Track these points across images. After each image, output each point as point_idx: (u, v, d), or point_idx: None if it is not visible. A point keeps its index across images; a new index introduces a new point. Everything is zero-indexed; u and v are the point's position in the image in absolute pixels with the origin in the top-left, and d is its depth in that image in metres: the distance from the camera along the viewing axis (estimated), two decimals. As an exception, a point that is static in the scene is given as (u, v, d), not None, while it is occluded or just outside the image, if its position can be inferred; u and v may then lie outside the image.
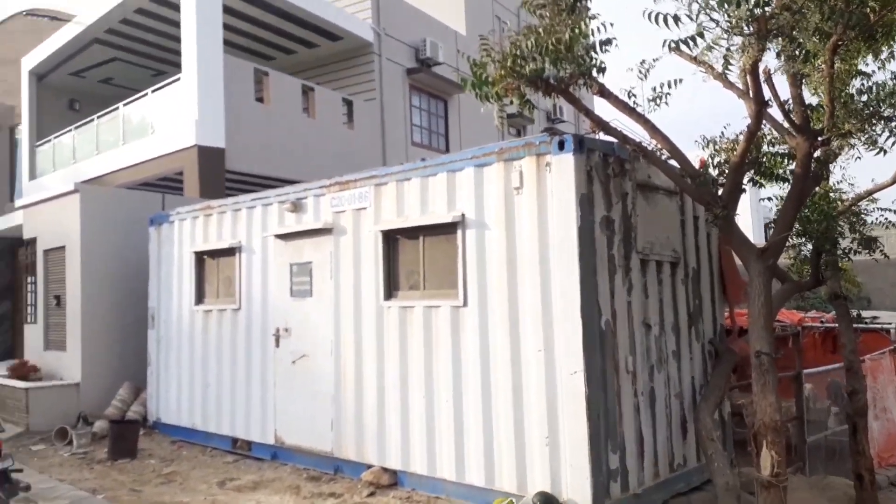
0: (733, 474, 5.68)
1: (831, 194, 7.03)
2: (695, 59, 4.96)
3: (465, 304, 6.14)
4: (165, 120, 13.59)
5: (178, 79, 13.32)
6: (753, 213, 32.17)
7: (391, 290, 6.85)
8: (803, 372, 8.17)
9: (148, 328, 10.06)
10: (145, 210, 10.63)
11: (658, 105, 5.59)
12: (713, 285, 7.15)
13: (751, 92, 5.03)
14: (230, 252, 8.74)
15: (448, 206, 6.37)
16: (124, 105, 14.88)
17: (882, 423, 9.58)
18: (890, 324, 11.62)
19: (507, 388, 5.75)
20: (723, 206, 5.44)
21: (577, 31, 4.69)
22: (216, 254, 9.02)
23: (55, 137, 17.22)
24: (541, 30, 4.79)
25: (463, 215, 6.21)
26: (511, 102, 5.08)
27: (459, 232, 6.23)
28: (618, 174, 5.95)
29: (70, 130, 16.66)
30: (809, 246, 7.10)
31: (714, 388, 6.48)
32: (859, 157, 6.05)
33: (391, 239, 6.91)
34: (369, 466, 6.75)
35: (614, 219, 5.85)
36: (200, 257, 9.29)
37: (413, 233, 6.71)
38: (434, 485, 6.22)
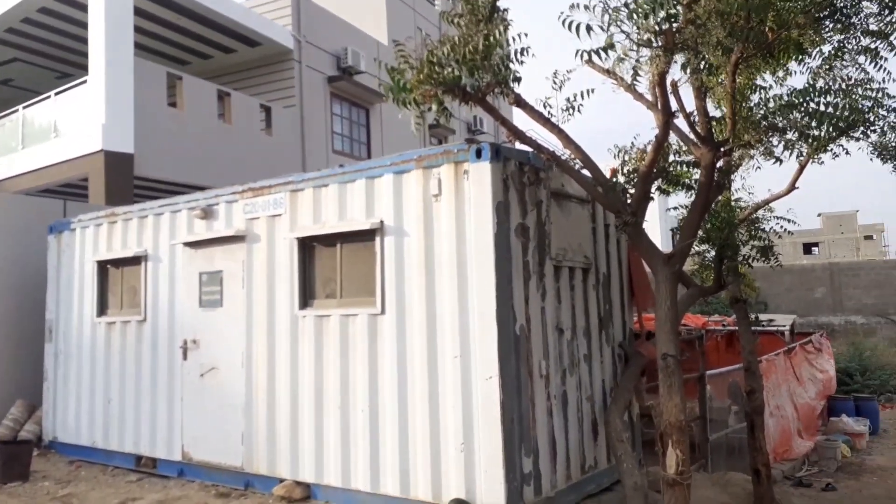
0: (641, 474, 5.87)
1: (732, 203, 7.42)
2: (606, 71, 5.14)
3: (382, 311, 6.08)
4: (70, 124, 12.90)
5: (85, 81, 12.69)
6: (661, 221, 33.65)
7: (307, 298, 6.71)
8: (706, 373, 8.56)
9: (45, 341, 9.45)
10: (45, 217, 10.02)
11: (571, 115, 5.75)
12: (622, 290, 7.39)
13: (659, 103, 5.24)
14: (135, 261, 8.34)
15: (367, 213, 6.31)
16: (24, 108, 14.05)
17: (777, 420, 10.15)
18: (784, 326, 12.39)
19: (423, 395, 5.72)
20: (632, 213, 5.63)
21: (492, 39, 4.77)
22: (120, 263, 8.59)
23: (-55, 138, 15.99)
24: (457, 38, 4.83)
25: (382, 222, 6.17)
26: (429, 109, 5.10)
27: (378, 239, 6.18)
28: (533, 182, 6.06)
29: (-38, 131, 15.51)
30: (713, 253, 7.46)
31: (623, 390, 6.69)
32: (759, 167, 6.41)
33: (307, 246, 6.78)
34: (281, 480, 6.57)
35: (529, 226, 5.95)
36: (104, 266, 8.82)
37: (330, 240, 6.60)
38: (348, 497, 6.11)
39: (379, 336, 6.08)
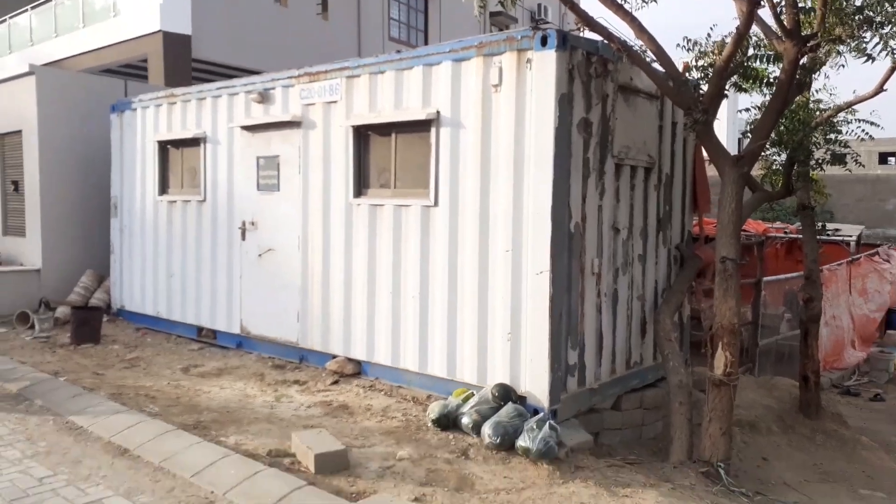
0: (687, 373, 5.92)
1: (811, 104, 6.98)
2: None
3: (436, 203, 6.07)
4: (129, 3, 12.80)
5: (142, -43, 12.45)
6: (730, 124, 32.18)
7: (361, 187, 6.74)
8: (763, 279, 8.41)
9: (111, 216, 9.86)
10: (107, 96, 10.19)
11: (646, 2, 5.39)
12: (685, 192, 7.17)
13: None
14: (195, 142, 8.46)
15: (423, 103, 6.16)
16: (84, -15, 13.95)
17: (831, 329, 10.06)
18: (850, 236, 11.96)
19: (473, 285, 5.79)
20: (703, 111, 5.37)
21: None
22: (180, 143, 8.74)
23: (10, 17, 16.15)
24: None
25: (438, 112, 6.02)
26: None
27: (433, 130, 6.06)
28: (600, 74, 5.77)
29: (26, 10, 15.62)
30: (783, 156, 7.12)
31: (676, 291, 6.64)
32: (844, 65, 5.95)
33: (362, 135, 6.72)
34: (334, 357, 6.87)
35: (593, 121, 5.73)
36: (164, 146, 8.99)
37: (385, 129, 6.52)
38: (397, 375, 6.38)
39: (431, 227, 6.10)
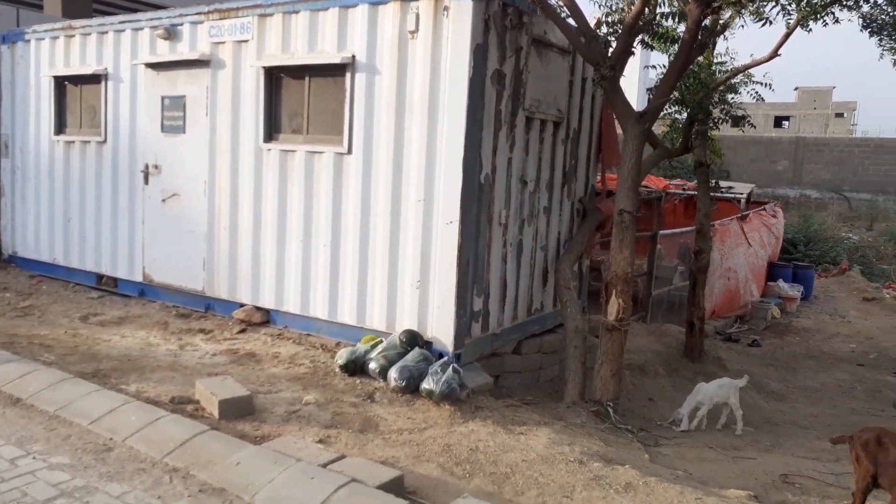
0: (583, 319, 6.27)
1: (713, 66, 7.32)
2: None
3: (349, 150, 6.03)
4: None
5: None
6: (639, 82, 33.10)
7: (272, 131, 6.59)
8: (659, 233, 8.90)
9: (1, 157, 9.21)
10: (-5, 25, 9.36)
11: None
12: (590, 147, 7.43)
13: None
14: (95, 79, 7.96)
15: (338, 46, 6.04)
16: None
17: (724, 281, 10.79)
18: (741, 194, 12.76)
19: (385, 234, 5.86)
20: (610, 67, 5.55)
21: None
22: (79, 80, 8.20)
23: None
24: None
25: (353, 57, 5.94)
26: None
27: (349, 75, 5.97)
28: (515, 26, 5.83)
29: None
30: (684, 115, 7.47)
31: (577, 242, 6.95)
32: (743, 26, 6.25)
33: (274, 77, 6.54)
34: (241, 305, 6.81)
35: (506, 73, 5.81)
36: (61, 83, 8.42)
37: (299, 72, 6.36)
38: (306, 323, 6.41)
39: (344, 175, 6.08)
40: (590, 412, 5.42)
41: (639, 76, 31.69)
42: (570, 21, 5.78)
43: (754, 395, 7.23)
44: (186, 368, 5.55)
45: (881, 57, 6.83)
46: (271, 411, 4.73)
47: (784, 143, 28.52)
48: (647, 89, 7.08)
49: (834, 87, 55.67)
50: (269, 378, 5.41)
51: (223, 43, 6.82)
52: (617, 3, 6.20)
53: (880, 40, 6.78)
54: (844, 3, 6.27)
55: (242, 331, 6.60)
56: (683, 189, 12.46)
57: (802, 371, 8.74)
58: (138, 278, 7.72)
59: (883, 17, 6.61)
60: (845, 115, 56.13)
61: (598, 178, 7.80)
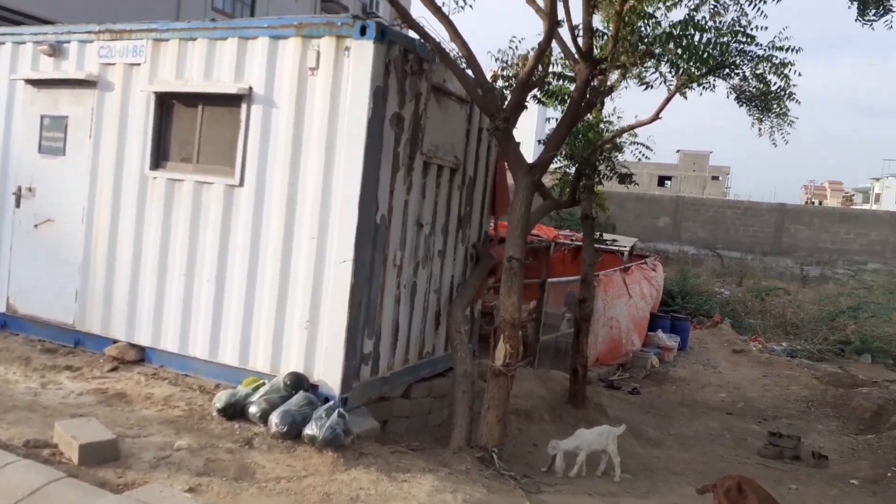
0: (472, 363, 6.32)
1: (601, 125, 7.75)
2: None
3: (241, 183, 5.86)
4: None
5: None
6: (537, 134, 34.59)
7: (160, 159, 6.31)
8: (548, 280, 9.19)
9: None
10: None
11: (462, 7, 5.64)
12: (485, 195, 7.61)
13: (546, 9, 5.25)
14: (-36, 91, 7.36)
15: (236, 76, 5.91)
16: None
17: (608, 330, 11.23)
18: (625, 247, 13.45)
19: (275, 271, 5.69)
20: (504, 119, 5.75)
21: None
22: (-56, 90, 7.55)
23: None
24: None
25: (251, 88, 5.82)
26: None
27: (245, 106, 5.84)
28: (415, 72, 5.93)
29: None
30: (573, 169, 7.84)
31: (469, 286, 7.05)
32: (627, 87, 6.66)
33: (166, 103, 6.30)
34: (115, 342, 6.38)
35: (405, 117, 5.87)
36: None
37: (192, 100, 6.16)
38: (184, 363, 6.07)
39: (234, 208, 5.89)
40: (475, 458, 5.41)
41: (536, 128, 33.10)
42: (469, 72, 5.96)
43: (633, 441, 7.49)
44: (47, 409, 5.10)
45: (752, 125, 7.49)
46: (138, 457, 4.41)
47: (665, 202, 30.50)
48: (538, 141, 7.39)
49: (711, 152, 60.48)
50: (139, 421, 5.06)
51: (113, 64, 6.52)
52: (512, 59, 6.46)
53: (749, 110, 7.44)
54: (717, 74, 6.85)
55: (114, 369, 6.16)
56: (572, 240, 12.99)
57: (677, 419, 9.17)
58: (1, 309, 7.07)
59: (750, 89, 7.27)
60: (720, 178, 60.93)
61: (491, 225, 7.98)
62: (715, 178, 60.01)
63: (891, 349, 14.12)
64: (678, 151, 60.83)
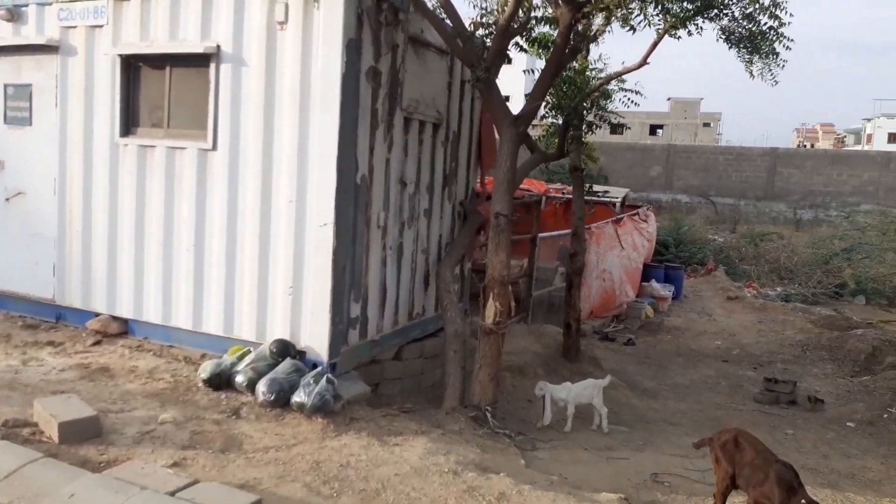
0: (463, 323, 6.21)
1: (587, 72, 7.48)
2: None
3: (214, 147, 5.64)
4: None
5: None
6: (526, 88, 34.10)
7: (129, 125, 6.06)
8: (539, 235, 9.04)
9: None
10: None
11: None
12: (470, 150, 7.39)
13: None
14: (-80, 60, 7.04)
15: (202, 35, 5.63)
16: None
17: (601, 282, 11.13)
18: (616, 198, 13.28)
19: (254, 237, 5.51)
20: (485, 69, 5.51)
21: None
22: None
23: None
24: None
25: (218, 47, 5.55)
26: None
27: (213, 65, 5.58)
28: (390, 23, 5.67)
29: None
30: (560, 119, 7.60)
31: (458, 245, 6.89)
32: (611, 31, 6.40)
33: (132, 66, 6.02)
34: (97, 315, 6.24)
35: (382, 71, 5.63)
36: None
37: (159, 61, 5.89)
38: (168, 333, 5.95)
39: (209, 173, 5.68)
40: (468, 418, 5.34)
41: (525, 81, 32.55)
42: (447, 21, 5.69)
43: (628, 393, 7.45)
44: (27, 387, 4.97)
45: (745, 69, 7.23)
46: (122, 432, 4.31)
47: (657, 150, 30.19)
48: (526, 95, 7.14)
49: (702, 99, 59.77)
50: (122, 395, 4.94)
51: (74, 28, 6.22)
52: (491, 5, 6.18)
53: (738, 52, 7.18)
54: (706, 14, 6.58)
55: (97, 343, 6.04)
56: (563, 193, 12.79)
57: (673, 368, 9.14)
58: (-23, 286, 6.89)
59: (740, 30, 7.00)
60: (711, 125, 60.40)
61: (478, 180, 7.78)
62: (706, 124, 59.46)
63: (885, 290, 14.10)
64: (669, 99, 60.14)
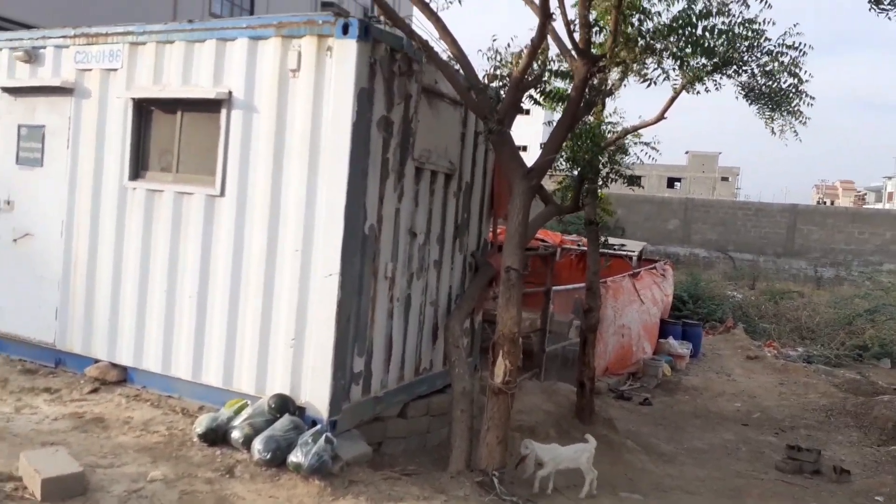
0: (471, 380, 5.96)
1: (603, 126, 7.39)
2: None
3: (222, 193, 5.55)
4: None
5: None
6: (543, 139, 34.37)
7: (139, 169, 6.01)
8: (553, 288, 8.82)
9: None
10: None
11: (450, 2, 5.33)
12: (483, 201, 7.25)
13: (538, 2, 4.91)
14: (-61, 100, 7.10)
15: (214, 81, 5.61)
16: None
17: (618, 338, 10.84)
18: (633, 252, 13.05)
19: (258, 286, 5.36)
20: (498, 121, 5.41)
21: None
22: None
23: None
24: None
25: (230, 93, 5.51)
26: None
27: (224, 111, 5.53)
28: (403, 73, 5.61)
29: None
30: (576, 172, 7.48)
31: (468, 298, 6.69)
32: (626, 85, 6.32)
33: (144, 110, 6.00)
34: (96, 361, 6.08)
35: (394, 120, 5.55)
36: None
37: (171, 106, 5.86)
38: (167, 383, 5.76)
39: (216, 219, 5.57)
40: (474, 483, 5.05)
41: (542, 133, 32.77)
42: (461, 72, 5.63)
43: (643, 458, 7.10)
44: (17, 437, 4.80)
45: (765, 125, 7.11)
46: (108, 490, 4.10)
47: (675, 204, 30.00)
48: (541, 145, 7.06)
49: (720, 153, 59.95)
50: (114, 448, 4.74)
51: (90, 70, 6.24)
52: (505, 58, 6.12)
53: (759, 108, 7.08)
54: (724, 71, 6.50)
55: (95, 390, 5.87)
56: (578, 244, 12.61)
57: (690, 430, 8.76)
58: (-21, 328, 6.78)
59: (759, 87, 6.91)
60: (730, 178, 60.30)
61: (490, 230, 7.63)
62: (724, 178, 59.38)
63: (911, 353, 13.64)
64: (686, 153, 60.27)
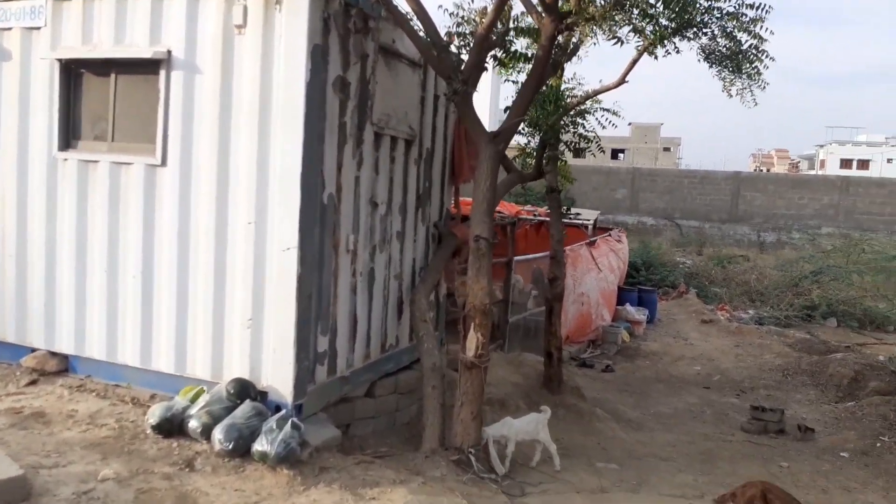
0: (441, 355, 5.72)
1: (563, 90, 7.16)
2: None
3: (164, 162, 5.09)
4: None
5: None
6: (493, 104, 34.20)
7: (70, 138, 5.49)
8: (514, 259, 8.64)
9: None
10: None
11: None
12: (444, 169, 6.95)
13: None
14: None
15: (151, 39, 5.11)
16: None
17: (578, 306, 10.77)
18: (588, 220, 13.01)
19: (208, 263, 4.96)
20: (463, 81, 5.11)
21: None
22: None
23: None
24: None
25: (169, 52, 5.03)
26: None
27: (163, 72, 5.06)
28: (360, 30, 5.22)
29: None
30: (537, 139, 7.25)
31: (433, 270, 6.42)
32: (596, 44, 6.09)
33: (73, 72, 5.46)
34: (33, 350, 5.57)
35: (350, 81, 5.18)
36: None
37: (103, 67, 5.34)
38: (114, 371, 5.31)
39: (158, 191, 5.12)
40: (450, 462, 4.82)
41: (491, 96, 32.60)
42: (422, 30, 5.28)
43: (613, 426, 7.01)
44: (-55, 438, 4.31)
45: (723, 89, 7.00)
46: (54, 493, 3.73)
47: (622, 173, 30.28)
48: (505, 109, 6.74)
49: (662, 124, 60.77)
50: (58, 446, 4.33)
51: (9, 29, 5.66)
52: (469, 14, 5.79)
53: (720, 71, 6.95)
54: (684, 33, 6.34)
55: (33, 382, 5.39)
56: (534, 215, 12.48)
57: (654, 396, 8.76)
58: None
59: (720, 49, 6.78)
60: (671, 149, 61.41)
61: (452, 201, 7.34)
62: (667, 149, 60.42)
63: (855, 312, 14.06)
64: (630, 124, 61.01)
